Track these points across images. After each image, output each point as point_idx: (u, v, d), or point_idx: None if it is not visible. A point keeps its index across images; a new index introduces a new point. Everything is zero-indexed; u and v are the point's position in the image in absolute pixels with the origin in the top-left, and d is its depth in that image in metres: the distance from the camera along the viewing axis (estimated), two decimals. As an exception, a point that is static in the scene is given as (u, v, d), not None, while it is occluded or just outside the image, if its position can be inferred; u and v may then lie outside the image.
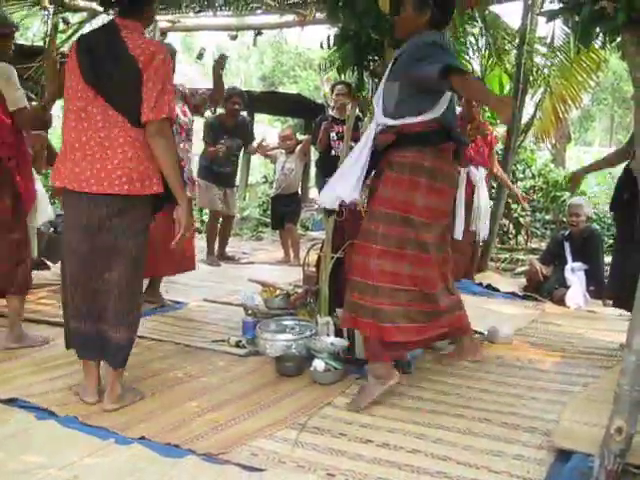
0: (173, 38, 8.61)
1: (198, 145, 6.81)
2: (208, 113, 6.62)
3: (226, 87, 7.40)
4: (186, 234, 3.14)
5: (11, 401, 3.10)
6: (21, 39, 8.60)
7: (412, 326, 3.27)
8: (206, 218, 8.62)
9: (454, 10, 3.50)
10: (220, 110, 7.34)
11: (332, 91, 7.14)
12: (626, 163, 4.36)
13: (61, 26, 7.84)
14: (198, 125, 5.83)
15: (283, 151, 7.71)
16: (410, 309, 3.26)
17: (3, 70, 3.83)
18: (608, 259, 6.66)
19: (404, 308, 3.24)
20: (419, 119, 3.25)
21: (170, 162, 3.02)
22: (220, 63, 5.18)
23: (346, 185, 3.41)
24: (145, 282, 5.21)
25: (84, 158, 2.96)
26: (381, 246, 3.24)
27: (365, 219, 3.41)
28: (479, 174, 5.55)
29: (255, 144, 7.58)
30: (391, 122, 3.32)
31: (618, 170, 9.90)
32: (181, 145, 5.03)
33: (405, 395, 3.38)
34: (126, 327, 3.09)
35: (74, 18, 8.12)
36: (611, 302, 5.72)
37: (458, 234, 5.39)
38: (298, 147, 7.64)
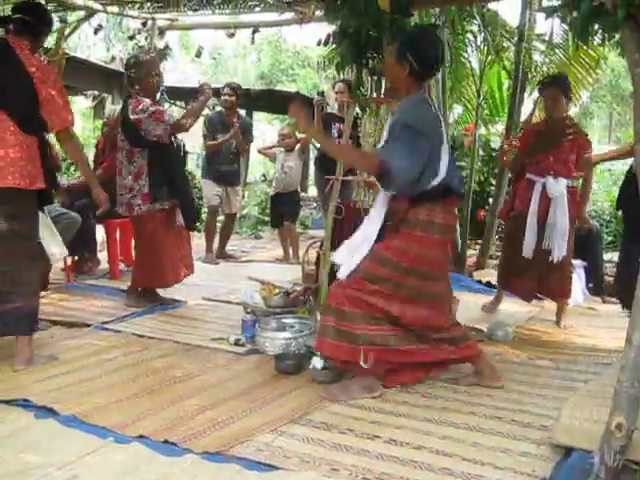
0: (170, 36, 8.60)
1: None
2: (206, 111, 6.58)
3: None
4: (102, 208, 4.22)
5: (10, 400, 3.09)
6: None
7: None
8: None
9: (438, 65, 3.45)
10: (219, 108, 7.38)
11: (333, 89, 7.15)
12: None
13: (58, 24, 7.82)
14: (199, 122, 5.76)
15: (282, 149, 7.70)
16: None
17: None
18: (607, 256, 6.68)
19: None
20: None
21: (80, 156, 3.98)
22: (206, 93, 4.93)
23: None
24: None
25: None
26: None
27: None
28: (558, 186, 4.79)
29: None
30: None
31: (618, 167, 9.82)
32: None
33: (416, 392, 3.39)
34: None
35: (71, 17, 8.10)
36: (613, 300, 5.76)
37: (527, 252, 4.86)
38: (297, 145, 7.63)
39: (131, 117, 4.74)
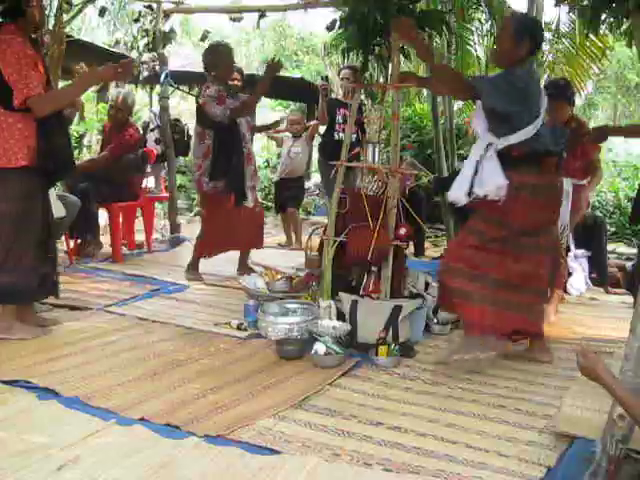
0: (172, 21, 8.51)
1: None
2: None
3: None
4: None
5: (13, 381, 3.10)
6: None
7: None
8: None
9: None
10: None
11: (338, 75, 7.13)
12: None
13: (64, 6, 7.78)
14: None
15: (290, 135, 7.67)
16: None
17: None
18: (610, 247, 6.68)
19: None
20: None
21: (61, 101, 3.76)
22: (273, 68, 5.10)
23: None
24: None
25: None
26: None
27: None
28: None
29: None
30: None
31: (622, 158, 9.73)
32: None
33: (419, 379, 3.40)
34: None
35: (77, -1, 8.06)
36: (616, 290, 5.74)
37: None
38: (305, 132, 7.60)
39: (199, 100, 5.28)
